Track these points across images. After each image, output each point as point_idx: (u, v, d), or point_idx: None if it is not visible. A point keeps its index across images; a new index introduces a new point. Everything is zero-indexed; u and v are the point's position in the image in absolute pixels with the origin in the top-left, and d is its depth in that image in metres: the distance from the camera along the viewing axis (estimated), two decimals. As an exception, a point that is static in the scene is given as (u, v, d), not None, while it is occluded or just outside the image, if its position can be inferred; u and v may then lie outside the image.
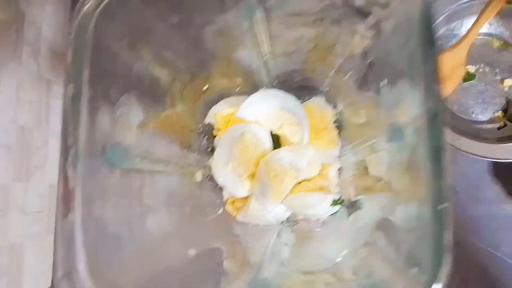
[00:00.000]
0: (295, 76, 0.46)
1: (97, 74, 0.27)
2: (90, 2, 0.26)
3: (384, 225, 0.33)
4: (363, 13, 0.30)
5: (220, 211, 0.48)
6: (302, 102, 0.47)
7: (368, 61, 0.34)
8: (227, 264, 0.39)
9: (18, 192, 0.51)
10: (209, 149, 0.49)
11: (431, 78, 0.24)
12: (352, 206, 0.44)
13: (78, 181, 0.25)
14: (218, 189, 0.49)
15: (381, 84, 0.32)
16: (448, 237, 0.24)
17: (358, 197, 0.43)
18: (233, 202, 0.48)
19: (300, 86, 0.47)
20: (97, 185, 0.28)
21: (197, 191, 0.46)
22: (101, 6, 0.26)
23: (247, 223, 0.47)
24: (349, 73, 0.39)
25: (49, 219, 0.57)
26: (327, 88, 0.47)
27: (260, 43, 0.35)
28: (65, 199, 0.25)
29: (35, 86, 0.55)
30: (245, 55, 0.38)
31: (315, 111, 0.46)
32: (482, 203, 0.57)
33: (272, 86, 0.45)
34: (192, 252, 0.36)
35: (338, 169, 0.47)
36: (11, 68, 0.50)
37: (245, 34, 0.33)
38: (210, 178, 0.48)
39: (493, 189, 0.56)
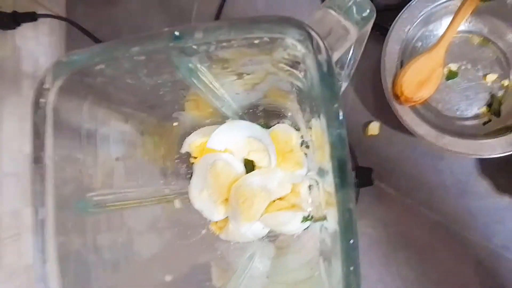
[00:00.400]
0: (258, 107, 0.49)
1: (61, 139, 0.31)
2: (45, 82, 0.30)
3: (325, 251, 0.36)
4: (295, 62, 0.33)
5: (204, 231, 0.52)
6: (269, 128, 0.50)
7: (303, 97, 0.37)
8: (214, 283, 0.43)
9: (29, 216, 0.55)
10: (189, 176, 0.53)
11: (328, 117, 0.27)
12: (322, 221, 0.47)
13: (50, 235, 0.30)
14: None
15: (312, 118, 0.35)
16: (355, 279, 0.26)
17: (325, 212, 0.46)
18: (216, 222, 0.52)
19: (265, 114, 0.50)
20: (69, 234, 0.32)
21: (177, 217, 0.50)
22: (56, 85, 0.30)
23: (229, 241, 0.51)
24: (298, 105, 0.42)
25: None
26: (289, 114, 0.49)
27: (213, 88, 0.38)
28: (40, 252, 0.29)
29: None
30: (203, 97, 0.41)
31: (280, 136, 0.49)
32: (472, 198, 0.58)
33: (239, 116, 0.48)
34: (168, 278, 0.40)
35: (309, 186, 0.50)
36: (13, 101, 0.54)
37: (194, 87, 0.36)
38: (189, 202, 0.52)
39: (482, 184, 0.57)
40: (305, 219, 0.48)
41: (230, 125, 0.48)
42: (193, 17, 0.69)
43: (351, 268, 0.25)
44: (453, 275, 0.58)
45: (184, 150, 0.52)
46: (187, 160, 0.53)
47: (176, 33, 0.29)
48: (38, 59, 0.62)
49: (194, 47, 0.30)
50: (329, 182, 0.29)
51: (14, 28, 0.56)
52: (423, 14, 0.55)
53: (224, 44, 0.30)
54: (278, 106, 0.48)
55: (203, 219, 0.52)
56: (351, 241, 0.25)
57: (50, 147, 0.30)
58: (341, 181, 0.26)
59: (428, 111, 0.58)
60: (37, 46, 0.61)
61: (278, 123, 0.51)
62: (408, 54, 0.58)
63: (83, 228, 0.34)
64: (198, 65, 0.33)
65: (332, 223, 0.41)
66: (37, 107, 0.30)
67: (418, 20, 0.56)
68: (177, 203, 0.51)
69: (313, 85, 0.30)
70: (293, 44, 0.29)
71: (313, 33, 0.27)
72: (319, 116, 0.30)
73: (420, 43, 0.59)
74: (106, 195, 0.37)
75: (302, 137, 0.50)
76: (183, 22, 0.69)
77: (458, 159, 0.58)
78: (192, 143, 0.51)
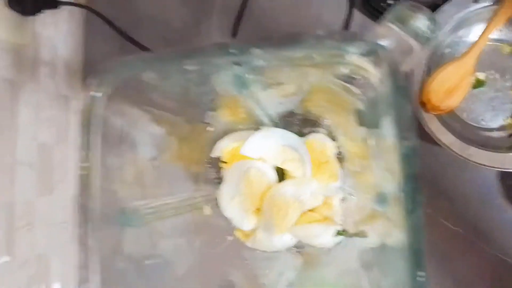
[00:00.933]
0: (295, 114, 0.48)
1: (108, 149, 0.30)
2: (95, 92, 0.28)
3: (370, 262, 0.35)
4: (352, 78, 0.31)
5: (230, 238, 0.51)
6: (304, 136, 0.49)
7: (358, 111, 0.36)
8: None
9: (43, 206, 0.55)
10: (217, 180, 0.52)
11: (403, 142, 0.25)
12: (356, 235, 0.46)
13: (95, 251, 0.28)
14: (227, 216, 0.52)
15: (371, 136, 0.33)
16: None
17: (362, 226, 0.45)
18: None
19: (301, 121, 0.49)
20: (113, 245, 0.31)
21: (206, 223, 0.49)
22: (105, 93, 0.28)
23: (255, 249, 0.50)
24: (345, 117, 0.41)
25: (73, 229, 0.59)
26: (327, 122, 0.48)
27: (256, 97, 0.37)
28: (85, 269, 0.28)
29: (53, 104, 0.58)
30: (243, 104, 0.39)
31: (316, 146, 0.48)
32: (493, 210, 0.57)
33: (274, 123, 0.47)
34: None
35: (341, 199, 0.49)
36: (30, 89, 0.53)
37: (241, 95, 0.35)
38: (218, 207, 0.51)
39: (504, 197, 0.56)
40: (338, 233, 0.47)
41: (266, 132, 0.46)
42: (216, 10, 0.67)
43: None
44: (468, 286, 0.57)
45: (215, 154, 0.50)
46: (216, 165, 0.52)
47: (232, 50, 0.28)
48: (56, 46, 0.60)
49: (250, 61, 0.29)
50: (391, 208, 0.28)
51: (35, 14, 0.55)
52: (454, 20, 0.54)
53: (281, 62, 0.29)
54: (317, 114, 0.46)
55: (229, 225, 0.51)
56: (421, 275, 0.24)
57: (97, 156, 0.28)
58: (413, 201, 0.25)
59: (453, 120, 0.56)
60: (56, 33, 0.60)
61: (312, 131, 0.49)
62: (435, 61, 0.56)
63: (122, 243, 0.32)
64: (250, 76, 0.31)
65: (374, 238, 0.41)
66: (87, 114, 0.28)
67: (448, 26, 0.54)
68: (207, 210, 0.49)
69: (377, 101, 0.29)
70: (358, 61, 0.28)
71: (385, 50, 0.26)
72: (380, 131, 0.29)
73: (448, 50, 0.57)
74: (145, 206, 0.35)
75: (338, 147, 0.48)
76: (205, 14, 0.66)
77: (481, 170, 0.56)
78: (224, 148, 0.49)
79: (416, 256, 0.25)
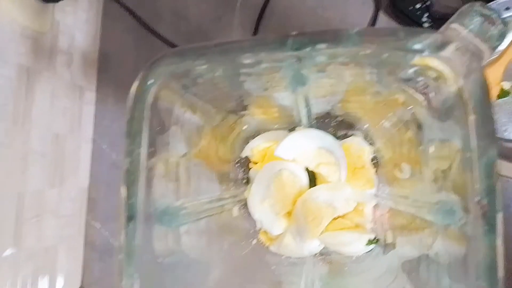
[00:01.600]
0: (333, 114, 0.46)
1: (152, 142, 0.28)
2: (144, 82, 0.26)
3: (412, 268, 0.34)
4: (414, 81, 0.30)
5: (254, 241, 0.49)
6: (339, 139, 0.47)
7: (414, 116, 0.34)
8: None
9: (52, 197, 0.54)
10: (245, 181, 0.50)
11: (489, 155, 0.24)
12: (387, 245, 0.44)
13: (136, 251, 0.26)
14: (252, 218, 0.50)
15: (428, 143, 0.32)
16: None
17: (394, 236, 0.43)
18: (267, 232, 0.49)
19: (338, 124, 0.47)
20: (152, 250, 0.29)
21: (234, 225, 0.47)
22: (156, 84, 0.27)
23: (280, 254, 0.48)
24: (390, 119, 0.39)
25: (80, 222, 0.60)
26: (365, 126, 0.46)
27: (306, 95, 0.35)
28: (123, 272, 0.26)
29: (68, 94, 0.57)
30: (287, 101, 0.38)
31: (352, 150, 0.46)
32: (512, 224, 0.56)
33: (310, 124, 0.45)
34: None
35: (374, 206, 0.47)
36: (46, 78, 0.52)
37: (295, 93, 0.33)
38: (245, 208, 0.49)
39: None
40: (370, 242, 0.45)
41: (303, 133, 0.44)
42: (237, 7, 0.65)
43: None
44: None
45: (245, 154, 0.48)
46: (244, 165, 0.50)
47: (294, 44, 0.26)
48: (74, 35, 0.59)
49: (312, 57, 0.27)
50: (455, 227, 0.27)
51: (55, 1, 0.54)
52: None
53: (346, 59, 0.27)
54: (356, 116, 0.45)
55: (252, 228, 0.49)
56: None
57: (145, 147, 0.26)
58: (491, 226, 0.23)
59: (475, 129, 0.56)
60: (75, 21, 0.59)
61: (346, 134, 0.47)
62: None
63: (161, 244, 0.30)
64: (307, 74, 0.29)
65: (409, 249, 0.39)
66: (135, 106, 0.26)
67: None
68: (235, 211, 0.47)
69: (447, 110, 0.27)
70: (431, 61, 0.26)
71: (468, 49, 0.24)
72: (442, 142, 0.28)
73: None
74: (185, 208, 0.33)
75: (374, 152, 0.46)
76: (226, 11, 0.65)
77: (503, 183, 0.56)
78: (255, 147, 0.47)
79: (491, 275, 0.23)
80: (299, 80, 0.29)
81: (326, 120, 0.46)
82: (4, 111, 0.45)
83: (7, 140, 0.45)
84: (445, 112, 0.27)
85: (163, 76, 0.27)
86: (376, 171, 0.47)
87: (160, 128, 0.30)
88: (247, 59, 0.26)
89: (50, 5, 0.53)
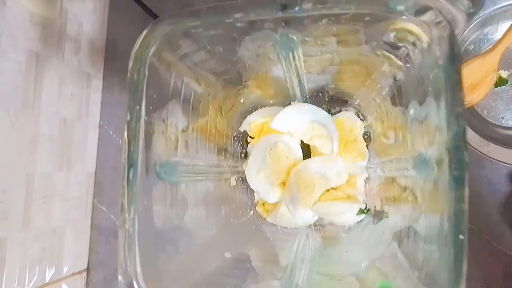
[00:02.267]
0: (326, 90, 0.48)
1: (152, 100, 0.30)
2: (145, 39, 0.29)
3: (403, 238, 0.35)
4: (395, 47, 0.32)
5: (251, 212, 0.51)
6: (333, 115, 0.49)
7: (397, 83, 0.36)
8: (255, 263, 0.42)
9: (60, 180, 0.56)
10: (243, 155, 0.53)
11: (454, 107, 0.26)
12: (378, 215, 0.46)
13: (136, 196, 0.29)
14: (250, 191, 0.52)
15: (409, 106, 0.34)
16: (465, 267, 0.25)
17: (384, 207, 0.45)
18: (264, 204, 0.52)
19: (331, 99, 0.49)
20: (150, 199, 0.31)
21: (232, 194, 0.49)
22: (156, 43, 0.29)
23: (276, 225, 0.50)
24: (378, 92, 0.41)
25: (87, 205, 0.62)
26: (357, 102, 0.48)
27: (296, 65, 0.37)
28: (125, 214, 0.28)
29: (76, 80, 0.59)
30: (280, 72, 0.40)
31: (344, 124, 0.48)
32: (508, 209, 0.57)
33: (305, 99, 0.47)
34: (227, 254, 0.39)
35: (365, 179, 0.49)
36: (54, 64, 0.54)
37: (284, 61, 0.35)
38: (243, 181, 0.51)
39: None
40: (361, 211, 0.47)
41: (297, 107, 0.47)
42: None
43: (461, 261, 0.25)
44: (480, 285, 0.57)
45: (243, 128, 0.51)
46: (242, 139, 0.52)
47: (283, 2, 0.28)
48: (82, 23, 0.61)
49: (299, 18, 0.29)
50: (428, 179, 0.29)
51: None
52: (480, 17, 0.54)
53: (332, 18, 0.29)
54: (348, 92, 0.47)
55: (250, 200, 0.52)
56: (461, 237, 0.25)
57: (144, 105, 0.29)
58: (460, 177, 0.25)
59: (473, 117, 0.57)
60: (83, 10, 0.60)
61: (340, 109, 0.49)
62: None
63: (160, 196, 0.33)
64: (296, 38, 0.32)
65: (398, 219, 0.41)
66: (136, 62, 0.28)
67: (474, 23, 0.54)
68: (233, 180, 0.50)
69: (421, 71, 0.29)
70: (409, 25, 0.28)
71: (441, 13, 0.26)
72: (422, 104, 0.30)
73: (472, 46, 0.57)
74: (181, 164, 0.36)
75: (365, 127, 0.49)
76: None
77: (497, 169, 0.56)
78: (252, 122, 0.50)
79: (457, 219, 0.25)
80: (286, 44, 0.32)
81: (320, 96, 0.49)
82: (14, 94, 0.46)
83: (17, 122, 0.47)
84: (421, 75, 0.29)
85: (161, 37, 0.29)
86: (367, 145, 0.49)
87: (159, 96, 0.32)
88: (238, 21, 0.29)
89: (59, -8, 0.55)
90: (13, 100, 0.46)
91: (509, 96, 0.56)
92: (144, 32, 0.29)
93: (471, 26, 0.55)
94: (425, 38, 0.28)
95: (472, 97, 0.54)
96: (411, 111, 0.32)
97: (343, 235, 0.48)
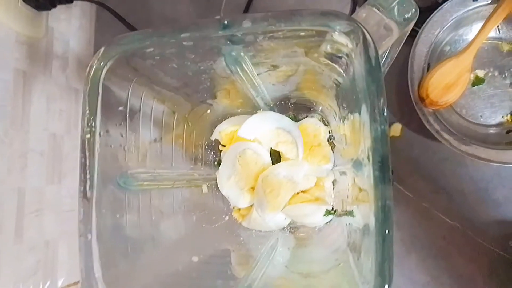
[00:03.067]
0: (289, 99, 0.50)
1: (108, 116, 0.33)
2: (98, 61, 0.31)
3: (356, 244, 0.37)
4: (337, 56, 0.34)
5: (227, 218, 0.53)
6: (298, 121, 0.51)
7: (342, 91, 0.38)
8: (233, 268, 0.44)
9: (52, 194, 0.57)
10: (216, 163, 0.55)
11: (373, 107, 0.27)
12: (346, 215, 0.48)
13: (93, 206, 0.31)
14: (225, 198, 0.54)
15: (352, 112, 0.36)
16: (388, 268, 0.27)
17: (351, 207, 0.47)
18: (239, 210, 0.54)
19: (295, 107, 0.51)
20: (110, 207, 0.33)
21: (204, 201, 0.51)
22: (108, 63, 0.31)
23: (251, 229, 0.52)
24: (331, 99, 0.43)
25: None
26: (320, 108, 0.50)
27: (252, 78, 0.39)
28: (84, 222, 0.31)
29: (64, 96, 0.60)
30: (240, 86, 0.42)
31: (309, 130, 0.50)
32: (491, 206, 0.58)
33: (270, 107, 0.49)
34: (195, 258, 0.41)
35: (333, 181, 0.51)
36: (42, 81, 0.55)
37: (235, 75, 0.37)
38: (218, 188, 0.53)
39: (501, 192, 0.57)
40: (328, 212, 0.49)
41: (261, 115, 0.49)
42: (222, 8, 0.69)
43: (386, 257, 0.26)
44: (466, 282, 0.58)
45: (214, 137, 0.53)
46: (215, 148, 0.54)
47: (225, 22, 0.30)
48: (68, 41, 0.62)
49: (241, 36, 0.31)
50: (365, 178, 0.30)
51: (49, 9, 0.57)
52: (454, 18, 0.55)
53: (271, 34, 0.31)
54: (310, 99, 0.49)
55: (226, 206, 0.54)
56: (387, 232, 0.26)
57: (98, 121, 0.31)
58: (382, 176, 0.27)
59: (452, 116, 0.58)
60: (69, 28, 0.62)
61: (307, 116, 0.51)
62: (435, 58, 0.57)
63: (119, 205, 0.35)
64: (242, 54, 0.34)
65: (359, 218, 0.42)
66: (89, 82, 0.31)
67: (449, 24, 0.56)
68: (205, 188, 0.52)
69: (355, 80, 0.31)
70: (339, 38, 0.30)
71: (362, 28, 0.28)
72: (359, 111, 0.31)
73: (448, 47, 0.59)
74: (143, 174, 0.38)
75: (330, 132, 0.50)
76: (212, 13, 0.69)
77: (479, 166, 0.58)
78: (222, 131, 0.52)
79: (383, 220, 0.26)
80: (233, 60, 0.34)
81: (284, 104, 0.51)
82: (3, 112, 0.47)
83: (6, 139, 0.47)
84: (355, 83, 0.31)
85: (113, 57, 0.32)
86: (333, 149, 0.50)
87: (115, 113, 0.34)
88: (184, 40, 0.31)
89: (44, 13, 0.56)
90: (2, 118, 0.47)
91: (486, 94, 0.58)
92: (98, 53, 0.31)
93: (445, 27, 0.56)
94: (352, 49, 0.30)
95: (448, 97, 0.55)
96: (353, 117, 0.34)
97: (314, 236, 0.50)
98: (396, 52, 0.42)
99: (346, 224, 0.45)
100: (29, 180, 0.52)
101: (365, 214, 0.39)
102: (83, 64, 0.66)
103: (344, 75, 0.34)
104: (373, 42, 0.27)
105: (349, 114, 0.37)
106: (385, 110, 0.27)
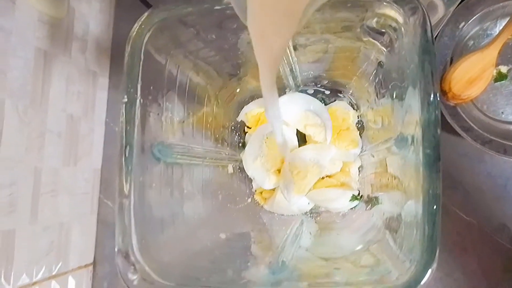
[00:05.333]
0: (320, 80, 0.49)
1: (147, 83, 0.32)
2: (141, 26, 0.31)
3: (392, 224, 0.37)
4: (379, 33, 0.33)
5: (249, 200, 0.53)
6: (327, 105, 0.51)
7: (383, 70, 0.38)
8: (254, 249, 0.44)
9: (67, 176, 0.57)
10: (240, 144, 0.55)
11: (426, 91, 0.27)
12: (372, 202, 0.47)
13: (132, 173, 0.31)
14: (248, 180, 0.54)
15: (393, 92, 0.35)
16: (436, 241, 0.27)
17: (377, 194, 0.47)
18: (261, 192, 0.53)
19: (325, 90, 0.50)
20: (146, 176, 0.33)
21: (229, 181, 0.51)
22: (151, 29, 0.31)
23: (273, 212, 0.52)
24: (367, 79, 0.42)
25: (93, 201, 0.63)
26: (350, 92, 0.50)
27: (288, 53, 0.39)
28: (121, 188, 0.30)
29: (82, 78, 0.60)
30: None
31: (338, 113, 0.50)
32: (508, 203, 0.57)
33: (299, 89, 0.49)
34: (223, 235, 0.41)
35: (359, 167, 0.51)
36: (62, 62, 0.55)
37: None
38: (241, 170, 0.53)
39: None
40: (354, 198, 0.49)
41: (291, 96, 0.48)
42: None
43: (434, 234, 0.26)
44: (479, 279, 0.57)
45: (240, 118, 0.53)
46: (240, 130, 0.54)
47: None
48: (88, 23, 0.62)
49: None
50: (407, 158, 0.30)
51: None
52: (480, 12, 0.55)
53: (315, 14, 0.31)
54: (341, 81, 0.48)
55: (248, 189, 0.53)
56: (435, 208, 0.26)
57: (139, 87, 0.31)
58: (430, 154, 0.26)
59: (473, 111, 0.57)
60: (89, 10, 0.62)
61: (335, 100, 0.51)
62: (458, 51, 0.56)
63: (155, 175, 0.35)
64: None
65: (388, 206, 0.42)
66: (130, 47, 0.30)
67: (474, 18, 0.55)
68: (230, 168, 0.51)
69: (402, 58, 0.30)
70: (389, 11, 0.30)
71: (418, 2, 0.27)
72: (403, 92, 0.31)
73: (472, 42, 0.58)
74: (177, 146, 0.37)
75: (359, 116, 0.50)
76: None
77: (498, 163, 0.57)
78: (249, 112, 0.52)
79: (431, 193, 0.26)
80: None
81: (314, 86, 0.50)
82: (23, 91, 0.47)
83: (26, 118, 0.48)
84: (401, 61, 0.30)
85: (156, 23, 0.31)
86: (360, 134, 0.50)
87: (154, 81, 0.34)
88: (227, 9, 0.31)
89: (66, -7, 0.56)
90: (22, 97, 0.47)
91: (509, 91, 0.57)
92: (140, 19, 0.31)
93: (470, 21, 0.56)
94: (402, 24, 0.30)
95: (470, 92, 0.54)
96: (394, 96, 0.34)
97: (338, 221, 0.49)
98: (434, 36, 0.41)
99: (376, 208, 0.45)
100: (46, 160, 0.52)
101: (396, 201, 0.38)
102: (102, 47, 0.66)
103: (386, 52, 0.34)
104: (429, 16, 0.27)
105: (388, 95, 0.36)
106: (438, 93, 0.27)
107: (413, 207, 0.30)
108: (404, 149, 0.30)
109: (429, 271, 0.27)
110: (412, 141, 0.29)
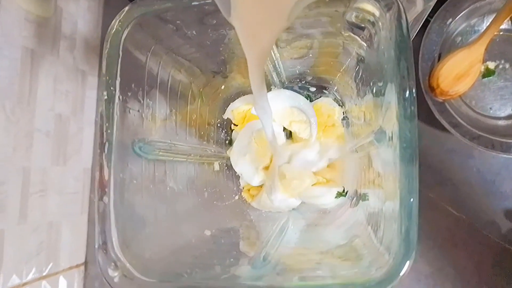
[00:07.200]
0: (305, 77, 0.49)
1: (127, 80, 0.32)
2: (119, 22, 0.31)
3: (374, 218, 0.37)
4: (360, 27, 0.33)
5: (237, 197, 0.53)
6: (312, 101, 0.51)
7: (363, 65, 0.38)
8: (241, 245, 0.44)
9: (56, 175, 0.56)
10: (227, 141, 0.55)
11: (402, 86, 0.27)
12: (358, 198, 0.47)
13: (111, 170, 0.31)
14: (236, 177, 0.54)
15: (374, 89, 0.35)
16: (413, 233, 0.27)
17: (364, 190, 0.47)
18: (249, 190, 0.54)
19: (310, 86, 0.50)
20: (127, 173, 0.33)
21: (215, 179, 0.51)
22: (129, 25, 0.31)
23: (260, 209, 0.52)
24: (352, 77, 0.42)
25: (83, 200, 0.63)
26: (335, 88, 0.50)
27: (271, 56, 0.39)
28: (101, 185, 0.30)
29: (71, 78, 0.59)
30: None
31: (323, 110, 0.50)
32: (497, 198, 0.57)
33: (284, 86, 0.49)
34: (208, 232, 0.41)
35: (345, 163, 0.51)
36: (49, 61, 0.54)
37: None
38: (228, 168, 0.53)
39: (508, 185, 0.57)
40: (340, 194, 0.49)
41: (276, 93, 0.48)
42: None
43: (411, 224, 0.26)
44: (470, 273, 0.57)
45: (226, 115, 0.53)
46: (226, 127, 0.54)
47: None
48: (76, 22, 0.62)
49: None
50: (386, 151, 0.30)
51: None
52: (467, 9, 0.55)
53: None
54: (325, 77, 0.48)
55: (236, 186, 0.53)
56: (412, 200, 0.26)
57: (118, 84, 0.31)
58: (409, 155, 0.26)
59: (461, 107, 0.57)
60: (77, 9, 0.62)
61: (321, 96, 0.51)
62: (446, 48, 0.57)
63: (135, 172, 0.35)
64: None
65: (375, 201, 0.42)
66: (109, 44, 0.30)
67: (461, 14, 0.55)
68: (217, 165, 0.51)
69: (380, 52, 0.30)
70: (366, 5, 0.30)
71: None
72: (383, 87, 0.31)
73: (459, 38, 0.58)
74: (159, 142, 0.37)
75: (344, 112, 0.50)
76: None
77: (486, 158, 0.57)
78: (235, 109, 0.52)
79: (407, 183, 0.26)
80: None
81: (299, 82, 0.50)
82: (10, 90, 0.47)
83: (13, 117, 0.47)
84: (379, 56, 0.30)
85: (134, 19, 0.31)
86: (346, 130, 0.50)
87: (134, 78, 0.34)
88: (205, 4, 0.31)
89: (53, -8, 0.55)
90: (9, 96, 0.47)
91: (496, 87, 0.57)
92: (120, 15, 0.31)
93: (457, 18, 0.56)
94: (379, 18, 0.30)
95: (458, 87, 0.54)
96: (375, 92, 0.34)
97: (324, 217, 0.49)
98: (415, 31, 0.41)
99: (359, 208, 0.45)
100: (34, 160, 0.51)
101: (379, 196, 0.39)
102: (91, 46, 0.65)
103: (366, 48, 0.34)
104: (404, 10, 0.27)
105: (369, 90, 0.36)
106: (414, 88, 0.27)
107: (392, 202, 0.30)
108: (383, 142, 0.31)
109: (407, 263, 0.28)
110: (391, 136, 0.29)
